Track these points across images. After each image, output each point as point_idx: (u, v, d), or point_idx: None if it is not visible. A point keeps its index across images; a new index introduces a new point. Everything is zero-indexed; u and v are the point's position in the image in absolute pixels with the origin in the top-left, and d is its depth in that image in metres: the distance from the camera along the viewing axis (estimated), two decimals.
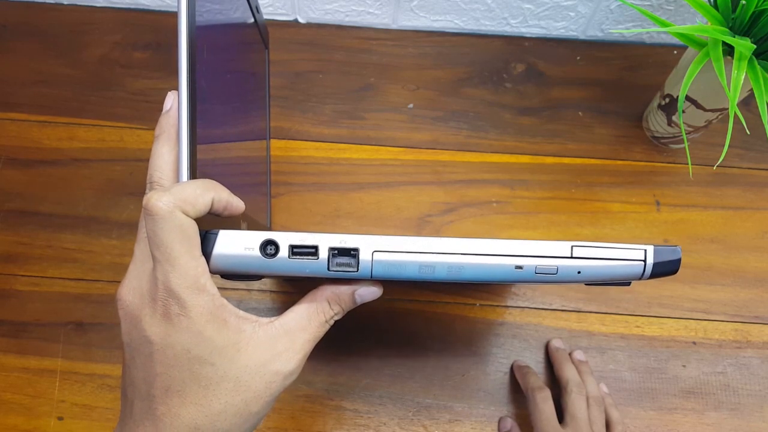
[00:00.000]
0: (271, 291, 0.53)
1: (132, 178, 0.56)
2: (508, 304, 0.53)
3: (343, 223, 0.55)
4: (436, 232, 0.55)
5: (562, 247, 0.29)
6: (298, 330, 0.30)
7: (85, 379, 0.50)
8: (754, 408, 0.51)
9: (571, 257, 0.29)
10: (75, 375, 0.50)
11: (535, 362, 0.51)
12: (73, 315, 0.51)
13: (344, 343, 0.52)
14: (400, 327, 0.52)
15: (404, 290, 0.53)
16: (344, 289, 0.31)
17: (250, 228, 0.36)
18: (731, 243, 0.56)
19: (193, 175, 0.29)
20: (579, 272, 0.29)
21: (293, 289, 0.53)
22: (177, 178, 0.29)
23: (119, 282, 0.29)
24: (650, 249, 0.29)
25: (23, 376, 0.50)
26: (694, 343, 0.52)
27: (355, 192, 0.56)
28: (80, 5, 0.63)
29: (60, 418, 0.49)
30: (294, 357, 0.29)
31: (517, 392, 0.50)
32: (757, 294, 0.54)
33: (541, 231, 0.55)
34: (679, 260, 0.29)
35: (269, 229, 0.51)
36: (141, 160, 0.57)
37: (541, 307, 0.53)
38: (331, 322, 0.31)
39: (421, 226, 0.55)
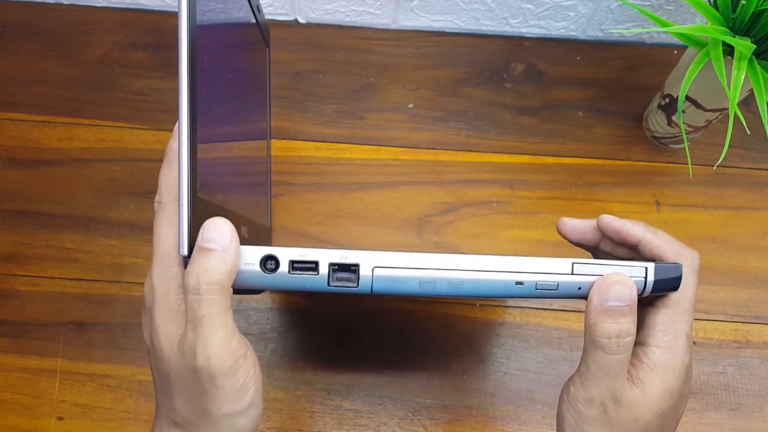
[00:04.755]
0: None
1: (132, 178, 0.56)
2: (508, 304, 0.53)
3: (343, 223, 0.55)
4: (436, 232, 0.55)
5: (563, 264, 0.29)
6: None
7: (85, 379, 0.50)
8: (754, 408, 0.51)
9: (572, 274, 0.29)
10: (75, 375, 0.50)
11: (535, 362, 0.51)
12: (73, 315, 0.51)
13: (344, 343, 0.51)
14: (400, 327, 0.52)
15: None
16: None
17: (250, 232, 0.36)
18: (731, 243, 0.56)
19: (195, 205, 0.27)
20: (579, 288, 0.29)
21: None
22: (177, 199, 0.28)
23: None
24: (651, 266, 0.29)
25: (23, 376, 0.50)
26: (694, 343, 0.52)
27: (355, 192, 0.56)
28: (80, 5, 0.63)
29: (60, 418, 0.49)
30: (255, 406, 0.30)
31: (517, 392, 0.50)
32: (757, 294, 0.54)
33: (541, 231, 0.55)
34: (680, 277, 0.30)
35: (270, 229, 0.51)
36: (141, 160, 0.57)
37: (541, 307, 0.53)
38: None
39: (421, 226, 0.55)
